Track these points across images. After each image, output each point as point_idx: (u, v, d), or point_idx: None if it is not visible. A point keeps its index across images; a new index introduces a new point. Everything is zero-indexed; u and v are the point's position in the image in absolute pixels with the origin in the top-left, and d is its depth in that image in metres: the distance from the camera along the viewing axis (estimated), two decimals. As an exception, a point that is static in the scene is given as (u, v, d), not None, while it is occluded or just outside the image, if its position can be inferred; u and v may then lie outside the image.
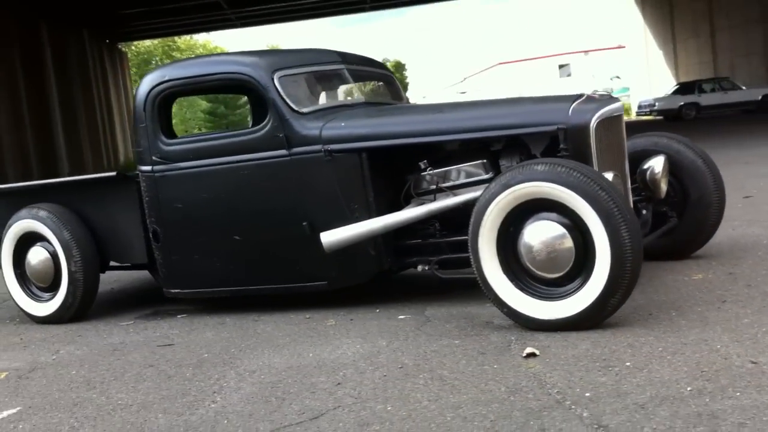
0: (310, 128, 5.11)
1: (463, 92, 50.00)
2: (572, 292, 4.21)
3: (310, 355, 4.36)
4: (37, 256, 5.94)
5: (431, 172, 5.05)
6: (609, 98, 4.93)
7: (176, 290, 5.59)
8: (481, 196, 4.38)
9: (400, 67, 44.25)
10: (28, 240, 5.98)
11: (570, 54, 45.24)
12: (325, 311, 5.29)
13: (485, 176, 5.00)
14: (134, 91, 5.70)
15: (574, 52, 45.49)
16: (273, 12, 37.70)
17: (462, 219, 4.91)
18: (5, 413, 3.93)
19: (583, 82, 42.68)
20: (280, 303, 5.57)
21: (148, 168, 5.49)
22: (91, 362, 4.71)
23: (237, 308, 5.63)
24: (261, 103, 5.38)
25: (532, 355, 3.90)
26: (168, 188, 5.43)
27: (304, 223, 5.10)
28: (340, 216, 5.05)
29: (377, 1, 36.29)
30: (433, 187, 5.10)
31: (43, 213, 5.85)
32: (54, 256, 5.86)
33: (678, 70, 38.22)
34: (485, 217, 4.32)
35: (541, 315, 4.26)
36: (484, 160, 5.02)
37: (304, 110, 5.20)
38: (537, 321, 4.26)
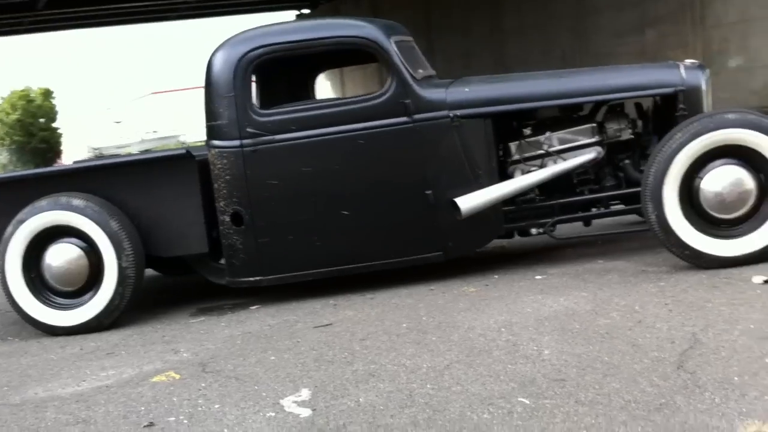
0: (434, 93, 4.94)
1: (119, 121, 47.90)
2: (748, 231, 4.53)
3: (528, 310, 4.24)
4: (62, 255, 4.98)
5: (543, 137, 5.10)
6: (701, 64, 5.33)
7: (256, 278, 5.01)
8: (663, 146, 4.54)
9: (48, 94, 41.31)
10: (46, 237, 5.00)
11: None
12: (435, 284, 5.05)
13: (592, 140, 5.16)
14: (211, 59, 5.04)
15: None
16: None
17: (562, 182, 5.07)
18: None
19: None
20: (363, 283, 5.20)
21: (234, 143, 4.91)
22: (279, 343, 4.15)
23: (316, 291, 5.18)
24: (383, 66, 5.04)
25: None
26: (261, 164, 4.89)
27: (428, 192, 4.89)
28: (464, 182, 4.93)
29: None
30: (542, 151, 5.15)
31: (78, 202, 4.94)
32: (90, 252, 4.96)
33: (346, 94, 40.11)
34: (672, 166, 4.50)
35: (722, 252, 4.51)
36: (593, 125, 5.18)
37: (418, 77, 5.01)
38: (720, 259, 4.51)
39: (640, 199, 4.85)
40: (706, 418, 2.70)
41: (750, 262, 4.46)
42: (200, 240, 5.06)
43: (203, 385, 3.69)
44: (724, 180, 4.51)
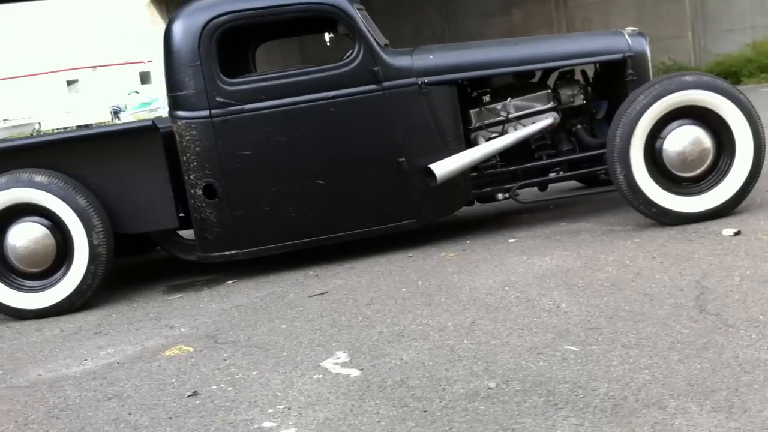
0: (400, 61, 5.01)
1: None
2: (708, 188, 4.83)
3: (520, 269, 4.39)
4: (26, 234, 4.78)
5: (504, 103, 5.26)
6: (640, 32, 5.61)
7: (230, 251, 4.95)
8: (626, 108, 4.78)
9: None
10: (6, 217, 4.79)
11: (78, 69, 43.66)
12: (411, 251, 5.15)
13: (548, 106, 5.36)
14: (170, 28, 4.92)
15: (82, 68, 43.92)
16: None
17: (521, 148, 5.27)
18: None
19: (94, 97, 41.35)
20: (337, 254, 5.25)
21: (203, 113, 4.83)
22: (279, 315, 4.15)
23: (291, 264, 5.17)
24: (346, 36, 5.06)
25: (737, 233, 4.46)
26: (232, 134, 4.83)
27: (401, 159, 4.97)
28: (434, 149, 5.03)
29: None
30: (501, 117, 5.31)
31: (41, 178, 4.75)
32: (56, 230, 4.79)
33: None
34: (637, 127, 4.75)
35: (686, 209, 4.80)
36: (548, 91, 5.38)
37: (383, 44, 5.06)
38: (684, 215, 4.80)
39: (597, 162, 5.10)
40: (753, 352, 2.90)
41: (712, 217, 4.77)
42: (169, 215, 4.96)
43: (225, 355, 3.65)
44: (684, 140, 4.78)
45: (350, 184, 4.95)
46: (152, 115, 37.28)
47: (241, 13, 4.84)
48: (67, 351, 4.09)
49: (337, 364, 3.34)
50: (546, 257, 4.54)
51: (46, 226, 4.78)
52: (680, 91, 4.74)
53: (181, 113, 4.85)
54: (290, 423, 2.83)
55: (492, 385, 2.90)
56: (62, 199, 4.71)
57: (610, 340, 3.18)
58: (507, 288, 4.06)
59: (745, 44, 15.79)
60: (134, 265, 5.99)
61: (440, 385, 2.97)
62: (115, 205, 4.89)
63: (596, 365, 2.96)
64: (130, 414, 3.11)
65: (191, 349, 3.81)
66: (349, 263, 5.02)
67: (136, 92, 42.80)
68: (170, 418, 3.02)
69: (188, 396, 3.22)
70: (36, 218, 4.79)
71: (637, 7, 19.23)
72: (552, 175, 5.45)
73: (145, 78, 44.25)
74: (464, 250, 4.98)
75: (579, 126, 5.44)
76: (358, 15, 4.92)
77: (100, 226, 4.75)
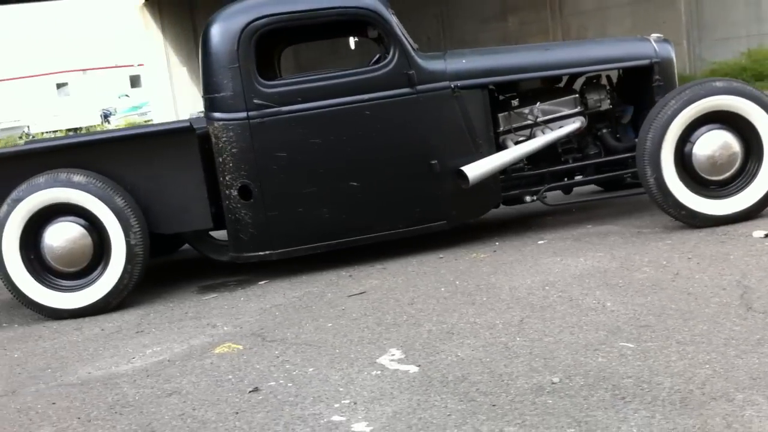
0: (434, 64, 5.08)
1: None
2: (736, 191, 4.92)
3: (556, 269, 4.46)
4: (63, 234, 4.81)
5: (533, 107, 5.34)
6: (665, 38, 5.70)
7: (264, 252, 5.00)
8: (657, 113, 4.86)
9: None
10: (44, 216, 4.82)
11: (68, 72, 43.62)
12: (442, 251, 5.22)
13: (575, 110, 5.44)
14: (207, 30, 4.97)
15: (72, 71, 43.88)
16: None
17: (548, 152, 5.36)
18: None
19: (84, 101, 41.32)
20: (367, 255, 5.30)
21: (240, 114, 4.88)
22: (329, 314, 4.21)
23: (322, 264, 5.22)
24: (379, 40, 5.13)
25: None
26: (269, 135, 4.89)
27: (433, 161, 5.03)
28: (466, 152, 5.10)
29: None
30: (530, 121, 5.38)
31: (79, 178, 4.79)
32: (94, 230, 4.83)
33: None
34: (669, 131, 4.83)
35: (715, 212, 4.89)
36: (576, 96, 5.46)
37: (414, 47, 5.13)
38: (713, 218, 4.88)
39: (622, 166, 5.20)
40: (809, 347, 2.98)
41: (740, 219, 4.85)
42: (204, 215, 5.01)
43: (276, 353, 3.70)
44: (714, 144, 4.87)
45: (383, 185, 5.01)
46: (142, 119, 37.24)
47: (280, 16, 4.91)
48: (112, 349, 4.12)
49: (393, 360, 3.40)
50: (580, 258, 4.61)
51: (82, 226, 4.80)
52: (711, 97, 4.83)
53: (217, 114, 4.90)
54: (359, 417, 2.88)
55: (555, 380, 2.96)
56: (100, 198, 4.75)
57: (664, 337, 3.24)
58: (547, 288, 4.12)
59: (740, 52, 15.95)
60: (162, 266, 6.02)
61: (503, 380, 3.03)
62: (151, 206, 4.93)
63: (655, 361, 3.02)
64: (194, 409, 3.16)
65: (240, 347, 3.86)
66: (380, 264, 5.08)
67: (126, 95, 42.76)
68: (236, 413, 3.07)
69: (250, 391, 3.26)
70: (72, 218, 4.82)
71: (632, 15, 19.38)
72: (578, 178, 5.52)
73: (135, 81, 44.13)
74: (495, 251, 5.04)
75: (605, 130, 5.52)
76: (394, 19, 4.99)
77: (137, 226, 4.79)
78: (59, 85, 43.07)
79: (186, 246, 5.96)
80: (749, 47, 16.14)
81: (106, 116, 41.54)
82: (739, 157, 4.89)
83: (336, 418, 2.90)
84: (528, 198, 5.35)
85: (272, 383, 3.33)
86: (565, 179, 5.51)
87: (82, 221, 4.83)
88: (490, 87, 5.26)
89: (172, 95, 39.06)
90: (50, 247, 4.80)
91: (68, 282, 4.86)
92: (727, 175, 4.91)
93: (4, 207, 4.75)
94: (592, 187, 6.29)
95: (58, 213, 4.83)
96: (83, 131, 31.72)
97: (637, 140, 5.12)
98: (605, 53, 5.46)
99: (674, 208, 4.87)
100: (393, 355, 3.47)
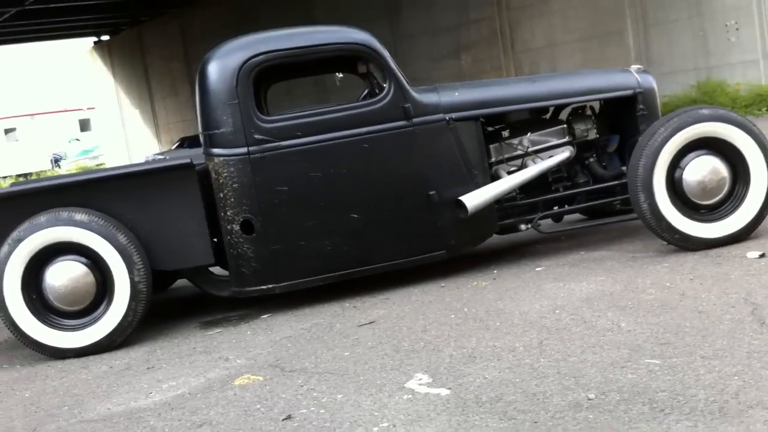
0: (428, 97, 5.19)
1: None
2: (726, 214, 5.09)
3: (562, 294, 4.56)
4: (66, 273, 4.78)
5: (524, 138, 5.48)
6: (645, 69, 5.90)
7: (268, 285, 5.03)
8: (647, 140, 5.02)
9: None
10: (45, 255, 4.80)
11: (16, 117, 43.35)
12: (443, 280, 5.28)
13: (564, 140, 5.60)
14: (205, 67, 5.03)
15: (20, 116, 43.61)
16: None
17: (539, 181, 5.50)
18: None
19: (33, 145, 41.03)
20: (367, 286, 5.35)
21: (240, 150, 4.93)
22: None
23: (321, 297, 5.26)
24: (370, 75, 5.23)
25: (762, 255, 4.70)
26: (270, 170, 4.95)
27: (431, 192, 5.13)
28: (462, 182, 5.21)
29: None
30: (520, 152, 5.52)
31: (81, 216, 4.78)
32: (96, 268, 4.81)
33: (158, 129, 39.26)
34: (659, 158, 4.98)
35: (706, 235, 5.04)
36: (564, 126, 5.61)
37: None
38: (706, 240, 5.04)
39: (609, 194, 5.35)
40: (829, 358, 3.10)
41: (731, 241, 5.01)
42: (205, 251, 5.02)
43: (299, 382, 3.73)
44: (703, 169, 5.03)
45: (383, 217, 5.09)
46: (94, 163, 36.92)
47: (277, 53, 4.99)
48: (126, 386, 4.11)
49: (422, 384, 3.45)
50: (582, 282, 4.71)
51: (84, 264, 4.78)
52: (698, 124, 5.00)
53: (217, 150, 4.94)
54: (403, 439, 2.91)
55: (591, 396, 3.04)
56: (103, 237, 4.74)
57: (687, 353, 3.34)
58: (557, 311, 4.21)
59: (689, 85, 16.40)
60: (158, 303, 5.98)
61: (538, 399, 3.10)
62: (152, 242, 4.93)
63: (685, 375, 3.12)
64: (230, 438, 3.16)
65: (261, 378, 3.87)
66: (383, 294, 5.13)
67: (77, 139, 42.45)
68: (275, 440, 3.08)
69: (283, 419, 3.28)
70: (74, 256, 4.80)
71: (582, 51, 19.86)
72: (566, 206, 5.65)
73: (84, 125, 43.96)
74: (495, 278, 5.13)
75: (591, 159, 5.67)
76: (387, 53, 5.10)
77: (140, 263, 4.79)
78: (7, 131, 42.67)
79: (179, 283, 5.95)
80: (698, 80, 16.61)
81: (56, 161, 41.13)
82: (727, 182, 5.06)
83: (379, 440, 2.93)
84: (523, 226, 5.46)
85: (303, 411, 3.36)
86: (556, 208, 5.61)
87: (83, 259, 4.80)
88: (481, 119, 5.36)
89: (125, 137, 38.95)
90: (53, 286, 4.77)
91: (71, 321, 4.82)
92: (716, 199, 5.06)
93: (5, 247, 4.71)
94: (578, 215, 6.43)
95: (59, 252, 4.80)
96: (34, 176, 31.28)
97: (625, 168, 5.28)
98: (590, 84, 5.62)
99: (668, 232, 5.01)
100: (420, 379, 3.51)
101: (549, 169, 5.45)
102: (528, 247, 5.95)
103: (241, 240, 4.95)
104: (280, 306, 5.22)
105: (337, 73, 5.97)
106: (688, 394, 2.93)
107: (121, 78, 38.68)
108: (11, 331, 4.76)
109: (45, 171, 38.72)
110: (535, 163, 5.49)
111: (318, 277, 5.07)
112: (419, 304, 4.78)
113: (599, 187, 5.58)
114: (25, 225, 4.73)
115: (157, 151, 25.26)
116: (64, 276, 4.78)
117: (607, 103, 5.79)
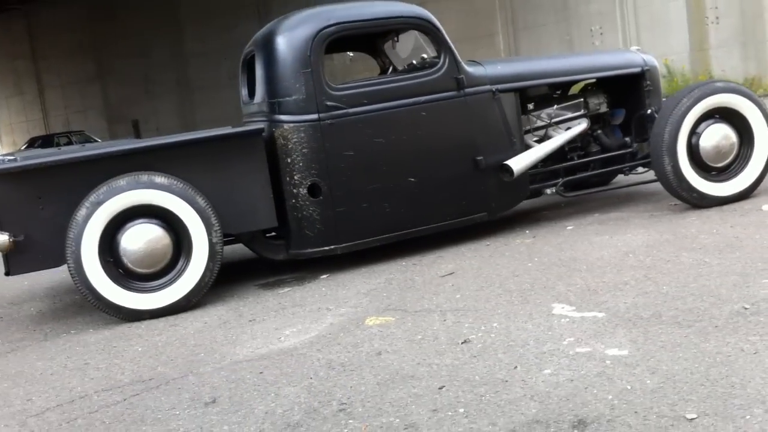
0: (476, 70, 5.58)
1: None
2: (734, 175, 5.73)
3: (619, 244, 5.02)
4: (143, 236, 4.83)
5: (551, 110, 5.98)
6: (644, 51, 6.50)
7: (329, 246, 5.25)
8: (672, 109, 5.59)
9: None
10: (123, 218, 4.85)
11: None
12: (487, 239, 5.64)
13: (581, 113, 6.13)
14: (274, 38, 5.20)
15: None
16: None
17: (558, 150, 6.01)
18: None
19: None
20: (411, 248, 5.65)
21: (311, 116, 5.15)
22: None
23: (369, 258, 5.51)
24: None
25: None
26: (338, 136, 5.19)
27: (479, 158, 5.51)
28: (504, 149, 5.63)
29: None
30: (544, 122, 6.00)
31: (162, 180, 4.87)
32: (173, 231, 4.90)
33: (0, 129, 37.50)
34: (683, 125, 5.57)
35: (719, 193, 5.67)
36: (581, 100, 6.14)
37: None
38: (719, 198, 5.66)
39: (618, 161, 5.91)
40: None
41: (739, 198, 5.66)
42: (269, 214, 5.18)
43: (436, 317, 3.95)
44: (717, 135, 5.64)
45: (437, 180, 5.41)
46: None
47: (348, 24, 5.25)
48: (245, 335, 4.17)
49: (569, 311, 3.76)
50: (627, 234, 5.19)
51: (161, 227, 4.85)
52: (716, 95, 5.61)
53: (286, 117, 5.13)
54: (601, 348, 3.23)
55: (747, 306, 3.47)
56: (184, 199, 4.83)
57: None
58: (631, 255, 4.63)
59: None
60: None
61: (698, 312, 3.49)
62: (221, 206, 5.04)
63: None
64: (418, 364, 3.37)
65: (392, 319, 4.07)
66: (433, 254, 5.43)
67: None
68: (474, 356, 3.32)
69: (462, 343, 3.52)
70: (149, 219, 4.86)
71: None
72: (583, 173, 6.15)
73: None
74: (534, 237, 5.54)
75: (599, 131, 6.20)
76: (443, 29, 5.45)
77: (217, 224, 4.90)
78: None
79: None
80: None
81: None
82: (736, 146, 5.68)
83: (580, 349, 3.24)
84: (548, 191, 5.91)
85: (472, 336, 3.59)
86: (571, 173, 6.10)
87: (159, 222, 4.86)
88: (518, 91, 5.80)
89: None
90: (130, 249, 4.80)
91: (146, 283, 4.86)
92: (726, 161, 5.67)
93: (83, 210, 4.72)
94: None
95: (134, 216, 4.84)
96: None
97: (628, 139, 5.88)
98: (608, 62, 6.18)
99: (687, 191, 5.58)
100: (563, 307, 3.84)
101: (572, 138, 5.91)
102: (534, 214, 6.40)
103: (308, 203, 5.15)
104: (333, 268, 5.43)
105: (349, 52, 6.26)
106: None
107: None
108: (86, 295, 4.75)
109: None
110: (558, 133, 5.94)
111: (375, 238, 5.33)
112: (482, 258, 5.11)
113: (615, 154, 6.11)
114: (104, 188, 4.75)
115: (3, 152, 24.31)
116: (143, 238, 4.82)
117: (614, 80, 6.32)
